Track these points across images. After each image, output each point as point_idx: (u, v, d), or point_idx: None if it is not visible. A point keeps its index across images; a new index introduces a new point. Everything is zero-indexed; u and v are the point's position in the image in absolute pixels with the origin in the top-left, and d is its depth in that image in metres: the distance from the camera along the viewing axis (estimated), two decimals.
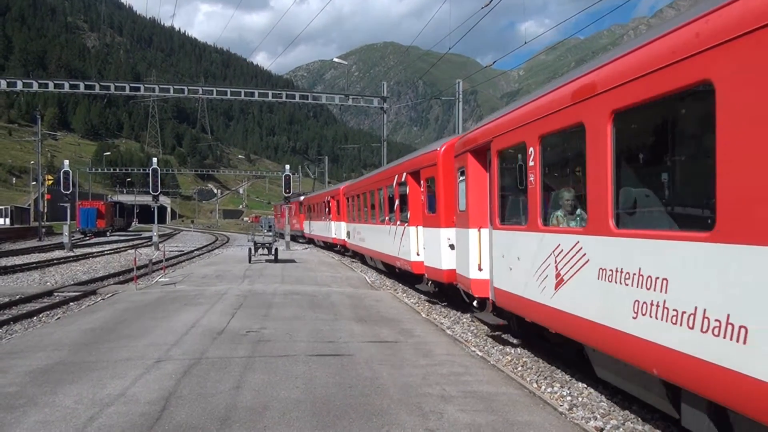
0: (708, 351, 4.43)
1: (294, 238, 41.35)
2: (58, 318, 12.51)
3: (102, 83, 40.22)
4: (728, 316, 4.25)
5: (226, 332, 10.00)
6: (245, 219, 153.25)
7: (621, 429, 6.10)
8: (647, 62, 5.22)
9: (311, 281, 18.53)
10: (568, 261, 6.82)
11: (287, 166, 41.23)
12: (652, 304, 5.18)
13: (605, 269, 6.02)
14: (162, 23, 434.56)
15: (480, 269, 10.50)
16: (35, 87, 38.47)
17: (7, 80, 38.19)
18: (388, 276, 20.45)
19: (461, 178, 11.57)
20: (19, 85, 37.80)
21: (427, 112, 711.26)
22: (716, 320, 4.37)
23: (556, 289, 7.18)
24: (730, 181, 4.26)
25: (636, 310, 5.41)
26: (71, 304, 15.08)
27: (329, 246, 34.61)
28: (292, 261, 26.70)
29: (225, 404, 6.16)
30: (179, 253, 35.16)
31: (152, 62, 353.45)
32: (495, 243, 9.68)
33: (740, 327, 4.14)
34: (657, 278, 5.15)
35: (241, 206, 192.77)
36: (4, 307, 14.38)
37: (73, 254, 33.30)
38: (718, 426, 4.77)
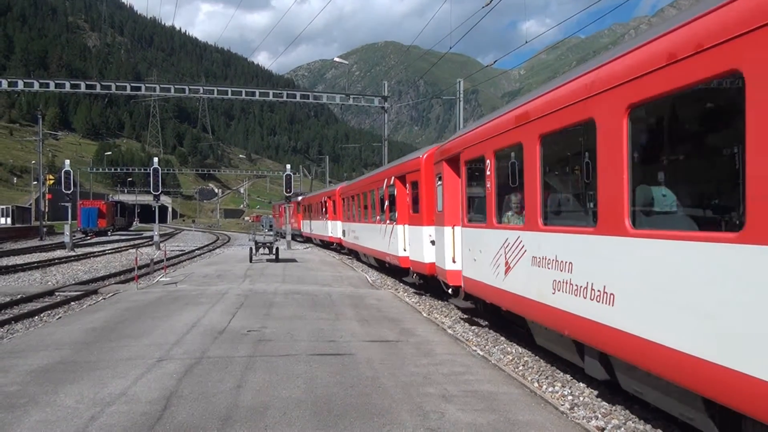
0: (595, 313, 6.11)
1: (293, 237, 41.57)
2: (60, 317, 12.52)
3: (103, 83, 40.22)
4: (605, 286, 5.97)
5: (227, 332, 10.00)
6: (246, 218, 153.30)
7: (622, 429, 6.09)
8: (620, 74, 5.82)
9: (312, 281, 18.53)
10: (513, 251, 8.57)
11: (288, 166, 41.26)
12: (563, 282, 6.87)
13: (536, 257, 7.74)
14: (163, 23, 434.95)
15: (454, 261, 12.24)
16: (36, 87, 38.49)
17: (8, 80, 38.23)
18: (387, 274, 20.59)
19: (439, 182, 13.23)
20: (20, 85, 37.83)
21: (428, 112, 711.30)
22: (598, 290, 6.08)
23: (506, 274, 8.89)
24: (588, 193, 6.34)
25: (554, 287, 7.10)
26: (72, 303, 15.09)
27: (326, 244, 36.01)
28: (293, 260, 26.70)
29: (226, 404, 6.16)
30: (180, 252, 35.19)
31: (153, 62, 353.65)
32: (464, 238, 11.40)
33: (610, 294, 5.84)
34: (566, 262, 6.85)
35: (242, 206, 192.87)
36: (6, 306, 14.40)
37: (74, 254, 33.33)
38: (606, 369, 6.46)
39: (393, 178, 18.15)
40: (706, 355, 4.45)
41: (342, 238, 30.07)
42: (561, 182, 8.17)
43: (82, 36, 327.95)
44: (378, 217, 20.58)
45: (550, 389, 7.48)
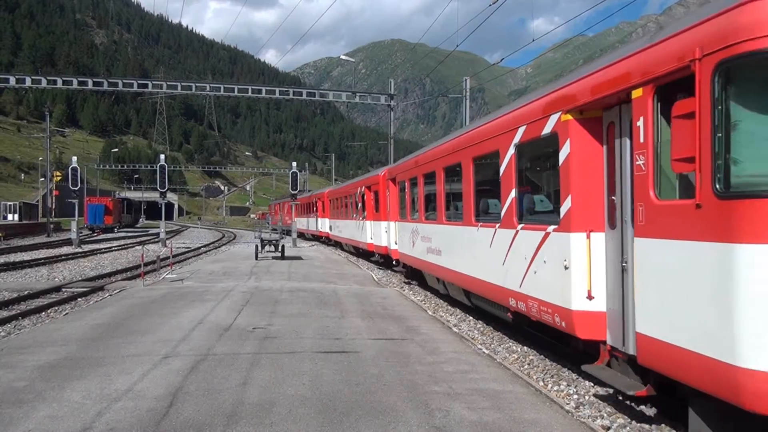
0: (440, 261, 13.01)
1: (287, 232, 42.12)
2: (66, 314, 12.58)
3: (110, 80, 40.38)
4: (442, 250, 12.83)
5: (233, 329, 10.03)
6: (252, 216, 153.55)
7: (627, 428, 6.07)
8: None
9: (318, 278, 18.55)
10: (416, 233, 15.49)
11: (294, 164, 41.31)
12: (434, 250, 13.46)
13: (425, 236, 14.54)
14: (170, 20, 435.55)
15: (395, 243, 19.31)
16: (44, 84, 38.70)
17: (16, 77, 38.40)
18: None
19: (388, 192, 20.79)
20: (28, 82, 38.01)
21: (434, 110, 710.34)
22: (440, 251, 13.06)
23: (413, 247, 15.94)
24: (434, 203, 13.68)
25: (428, 252, 14.12)
26: (79, 299, 15.16)
27: (316, 237, 42.63)
28: (299, 258, 26.74)
29: (232, 400, 6.18)
30: (186, 249, 35.28)
31: (160, 59, 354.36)
32: (398, 229, 18.63)
33: (441, 251, 13.01)
34: (431, 238, 13.89)
35: (248, 203, 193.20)
36: (13, 302, 14.48)
37: (81, 250, 33.47)
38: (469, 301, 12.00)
39: (363, 187, 25.12)
40: (472, 273, 10.77)
41: (329, 232, 36.43)
42: (432, 198, 14.22)
43: (90, 33, 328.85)
44: (354, 215, 27.22)
45: (556, 388, 7.47)
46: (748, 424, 4.72)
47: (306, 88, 47.40)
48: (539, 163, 8.40)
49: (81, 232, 42.43)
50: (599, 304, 6.76)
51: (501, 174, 9.10)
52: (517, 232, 8.58)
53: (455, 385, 6.88)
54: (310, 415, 5.76)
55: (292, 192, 39.50)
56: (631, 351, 6.04)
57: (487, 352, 8.83)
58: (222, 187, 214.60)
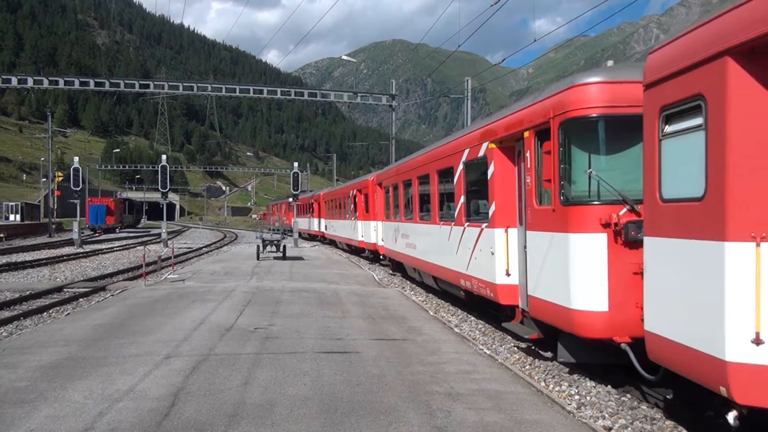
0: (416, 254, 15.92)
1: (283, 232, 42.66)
2: (68, 314, 12.59)
3: (112, 80, 40.38)
4: (417, 245, 15.74)
5: (235, 329, 10.04)
6: (253, 216, 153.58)
7: (629, 428, 6.07)
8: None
9: (319, 278, 18.56)
10: (398, 231, 18.09)
11: (296, 164, 41.29)
12: (411, 245, 16.32)
13: (404, 234, 17.31)
14: (171, 21, 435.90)
15: (382, 240, 22.05)
16: (46, 84, 38.75)
17: (18, 77, 38.42)
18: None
19: (376, 195, 23.33)
20: (30, 82, 38.02)
21: (436, 110, 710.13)
22: (415, 246, 15.97)
23: (395, 243, 18.55)
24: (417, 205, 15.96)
25: (407, 246, 16.80)
26: (81, 300, 15.17)
27: (312, 236, 45.46)
28: (300, 258, 26.75)
29: (233, 400, 6.18)
30: (188, 249, 35.30)
31: (162, 59, 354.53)
32: (384, 228, 21.44)
33: (416, 246, 15.95)
34: (409, 235, 16.75)
35: (249, 203, 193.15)
36: (15, 302, 14.49)
37: (82, 250, 33.50)
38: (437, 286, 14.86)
39: (354, 190, 27.87)
40: (437, 262, 13.54)
41: (324, 231, 39.52)
42: (407, 201, 17.27)
43: (92, 33, 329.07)
44: (347, 215, 29.81)
45: (557, 388, 7.46)
46: (587, 346, 7.63)
47: (307, 89, 47.36)
48: (478, 177, 10.79)
49: (83, 233, 42.45)
50: (514, 279, 9.46)
51: (455, 184, 12.06)
52: (464, 228, 11.49)
53: (457, 385, 6.88)
54: (311, 416, 5.76)
55: (294, 192, 39.53)
56: (528, 309, 8.87)
57: (488, 352, 8.83)
58: (223, 188, 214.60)
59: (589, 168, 7.31)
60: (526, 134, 8.57)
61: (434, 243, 13.88)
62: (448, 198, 12.94)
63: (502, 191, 9.71)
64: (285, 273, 20.11)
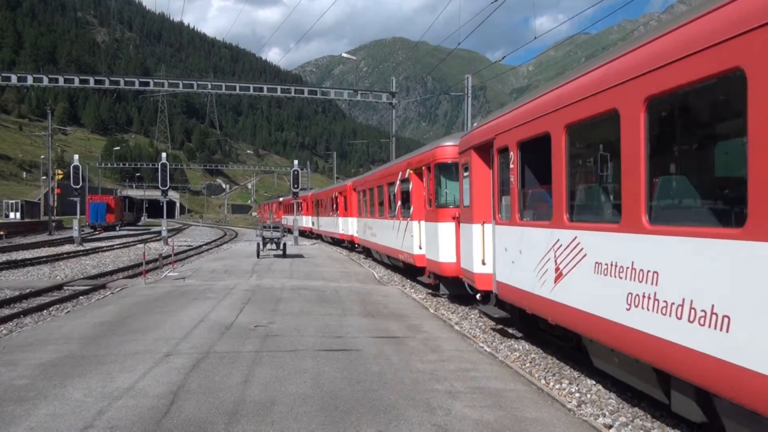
0: (395, 245, 19.57)
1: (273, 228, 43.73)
2: (68, 311, 12.58)
3: (111, 78, 40.35)
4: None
5: (235, 327, 10.03)
6: (254, 214, 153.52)
7: (630, 426, 6.06)
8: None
9: (319, 276, 18.55)
10: (366, 225, 24.85)
11: (296, 162, 41.28)
12: (374, 234, 22.87)
13: (369, 227, 23.82)
14: (171, 18, 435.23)
15: (356, 233, 27.41)
16: (45, 82, 38.64)
17: (18, 75, 38.38)
18: (393, 271, 20.74)
19: (352, 197, 28.86)
20: (30, 80, 37.98)
21: (436, 108, 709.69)
22: (378, 237, 22.25)
23: (365, 233, 25.28)
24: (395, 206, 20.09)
25: (380, 240, 21.76)
26: (81, 297, 15.17)
27: (301, 232, 49.08)
28: (300, 256, 26.74)
29: (233, 398, 6.17)
30: (188, 247, 35.30)
31: (161, 57, 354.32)
32: (357, 222, 27.48)
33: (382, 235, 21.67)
34: (372, 227, 23.33)
35: (249, 201, 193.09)
36: (15, 300, 14.49)
37: (82, 248, 33.49)
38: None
39: (337, 192, 33.87)
40: (389, 245, 19.98)
41: (312, 227, 45.82)
42: (378, 201, 22.00)
43: (91, 31, 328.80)
44: (330, 213, 36.19)
45: (558, 386, 7.46)
46: (449, 283, 14.01)
47: (307, 86, 47.31)
48: (405, 189, 17.64)
49: (83, 231, 42.45)
50: (423, 251, 15.99)
51: (395, 193, 18.93)
52: (400, 221, 18.18)
53: (457, 383, 6.87)
54: (311, 414, 5.75)
55: (294, 190, 39.55)
56: (426, 266, 15.51)
57: (488, 350, 8.82)
58: (224, 186, 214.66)
59: (445, 188, 14.08)
60: (423, 168, 15.47)
61: (386, 232, 20.44)
62: (392, 202, 19.56)
63: (417, 199, 16.35)
64: (285, 271, 20.10)
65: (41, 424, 5.46)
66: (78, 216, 37.87)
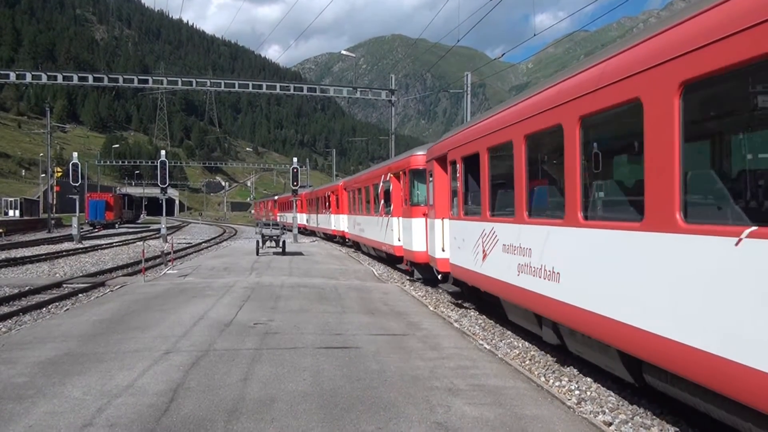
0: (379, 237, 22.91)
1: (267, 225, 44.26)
2: (67, 309, 12.56)
3: (110, 75, 40.32)
4: (357, 226, 27.05)
5: (234, 324, 10.02)
6: (252, 212, 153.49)
7: (630, 423, 6.06)
8: None
9: (319, 274, 18.54)
10: (355, 221, 27.75)
11: (295, 159, 41.20)
12: (362, 230, 25.96)
13: (358, 223, 26.90)
14: (170, 16, 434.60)
15: (347, 228, 30.73)
16: (44, 79, 38.60)
17: (17, 72, 38.32)
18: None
19: (343, 196, 31.39)
20: (29, 78, 37.94)
21: (435, 105, 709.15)
22: (366, 231, 25.14)
23: (354, 229, 28.43)
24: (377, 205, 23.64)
25: (359, 230, 26.93)
26: (80, 295, 15.17)
27: (308, 232, 52.56)
28: (300, 253, 26.72)
29: (233, 396, 6.16)
30: (187, 245, 35.29)
31: (160, 55, 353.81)
32: (348, 219, 30.53)
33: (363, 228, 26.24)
34: (360, 223, 26.37)
35: (248, 199, 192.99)
36: (14, 298, 14.48)
37: (82, 246, 33.49)
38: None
39: (329, 192, 36.66)
40: (375, 238, 23.13)
41: (306, 224, 48.36)
42: (366, 200, 24.94)
43: (90, 29, 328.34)
44: (324, 211, 38.94)
45: (557, 384, 7.45)
46: (422, 269, 16.54)
47: (307, 84, 47.27)
48: (386, 189, 20.32)
49: (82, 228, 42.41)
50: (401, 242, 18.67)
51: (378, 193, 21.71)
52: (382, 217, 20.91)
53: (456, 380, 6.86)
54: (311, 411, 5.75)
55: (293, 188, 39.52)
56: (404, 255, 18.02)
57: (488, 347, 8.81)
58: (223, 183, 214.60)
59: (417, 190, 16.56)
60: (400, 173, 18.26)
61: (372, 227, 23.31)
62: (377, 201, 22.27)
63: (396, 198, 19.20)
64: (284, 268, 20.09)
65: (40, 422, 5.45)
66: (77, 214, 37.88)
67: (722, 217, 4.83)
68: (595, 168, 6.50)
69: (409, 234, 16.64)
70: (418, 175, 16.53)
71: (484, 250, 10.14)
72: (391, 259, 20.61)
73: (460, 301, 13.66)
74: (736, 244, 4.27)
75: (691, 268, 4.80)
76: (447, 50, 38.53)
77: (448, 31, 32.44)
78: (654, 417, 6.23)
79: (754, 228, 4.14)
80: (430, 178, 14.35)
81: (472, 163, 10.91)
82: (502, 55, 24.74)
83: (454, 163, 12.22)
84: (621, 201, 6.48)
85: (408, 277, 18.27)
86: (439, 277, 14.21)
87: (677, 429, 5.97)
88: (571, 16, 21.99)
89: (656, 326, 5.23)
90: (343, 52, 61.50)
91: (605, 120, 6.39)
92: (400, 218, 18.32)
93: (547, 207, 8.04)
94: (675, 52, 4.96)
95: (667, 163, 5.04)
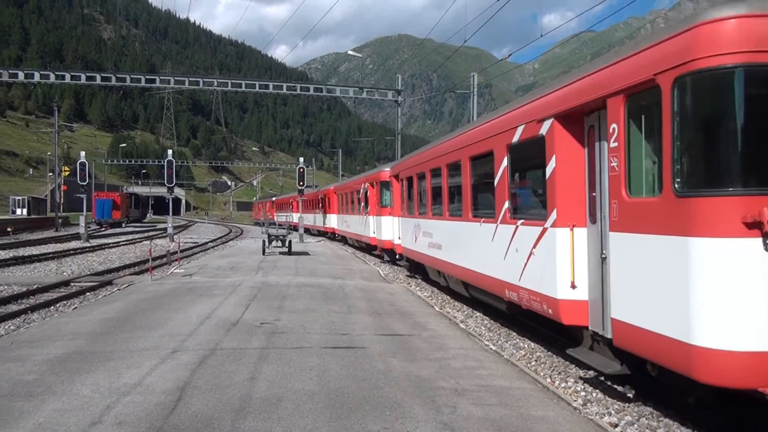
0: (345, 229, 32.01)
1: (262, 224, 45.85)
2: (75, 308, 12.64)
3: (118, 75, 40.51)
4: (344, 224, 33.37)
5: (241, 324, 10.06)
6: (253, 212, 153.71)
7: (635, 425, 6.06)
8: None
9: (325, 273, 18.57)
10: (344, 219, 33.23)
11: (301, 159, 41.40)
12: (348, 225, 31.74)
13: (345, 221, 32.71)
14: (177, 15, 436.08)
15: (337, 226, 35.75)
16: (52, 79, 38.82)
17: (25, 72, 38.56)
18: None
19: (333, 198, 37.17)
20: (37, 77, 38.16)
21: (441, 106, 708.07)
22: (352, 227, 30.75)
23: (342, 225, 34.07)
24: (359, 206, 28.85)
25: (348, 227, 31.61)
26: (88, 294, 15.24)
27: (293, 228, 58.55)
28: (306, 253, 26.77)
29: (240, 395, 6.20)
30: (194, 244, 35.39)
31: (167, 54, 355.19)
32: (338, 218, 35.82)
33: (347, 223, 32.31)
34: (347, 221, 31.98)
35: (254, 198, 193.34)
36: (22, 296, 14.57)
37: (89, 245, 33.63)
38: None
39: (322, 195, 41.23)
40: (359, 233, 28.02)
41: (312, 224, 53.28)
42: (351, 203, 30.26)
43: (98, 28, 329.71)
44: (317, 212, 43.36)
45: (563, 385, 7.46)
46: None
47: (313, 84, 47.35)
48: (367, 195, 25.23)
49: (89, 227, 42.59)
50: (377, 235, 24.10)
51: (360, 196, 26.56)
52: (370, 217, 24.51)
53: (462, 381, 6.88)
54: (317, 410, 5.77)
55: (299, 188, 39.62)
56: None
57: (494, 348, 8.82)
58: (229, 183, 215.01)
59: (385, 196, 23.67)
60: (375, 183, 25.48)
61: (355, 223, 28.49)
62: (359, 203, 26.91)
63: (372, 201, 23.75)
64: (290, 268, 20.13)
65: (50, 420, 5.50)
66: (84, 212, 38.07)
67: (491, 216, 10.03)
68: (458, 192, 11.96)
69: (380, 228, 22.77)
70: (385, 185, 22.18)
71: (415, 235, 16.01)
72: (368, 247, 26.42)
73: (414, 275, 18.48)
74: (480, 225, 10.45)
75: (476, 236, 10.69)
76: (454, 50, 38.52)
77: (455, 31, 32.45)
78: (660, 419, 6.23)
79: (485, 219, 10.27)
80: (391, 188, 21.18)
81: (411, 180, 16.70)
82: (509, 55, 24.72)
83: (401, 180, 18.55)
84: (458, 207, 11.94)
85: (380, 260, 24.13)
86: (397, 257, 21.10)
87: (684, 430, 5.97)
88: (579, 16, 21.93)
89: (472, 265, 10.97)
90: (350, 53, 61.70)
91: (475, 162, 10.95)
92: (375, 217, 23.70)
93: (436, 209, 13.83)
94: (501, 129, 9.36)
95: (501, 188, 9.42)
